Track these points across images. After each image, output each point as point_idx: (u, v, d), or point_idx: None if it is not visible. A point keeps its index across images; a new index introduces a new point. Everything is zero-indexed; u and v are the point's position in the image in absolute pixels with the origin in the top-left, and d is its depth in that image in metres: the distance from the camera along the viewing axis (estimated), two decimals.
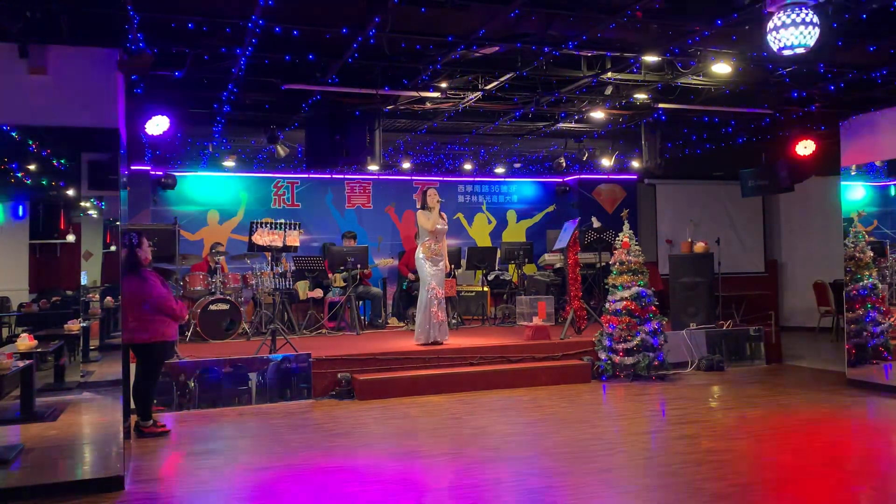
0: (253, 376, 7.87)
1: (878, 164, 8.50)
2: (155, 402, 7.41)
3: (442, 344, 9.01)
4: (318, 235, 13.30)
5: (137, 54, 5.66)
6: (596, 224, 11.34)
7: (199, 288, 10.23)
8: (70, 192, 5.93)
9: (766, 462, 5.45)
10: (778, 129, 11.18)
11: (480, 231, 14.65)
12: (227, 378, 7.78)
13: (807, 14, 5.21)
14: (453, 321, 10.96)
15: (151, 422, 6.55)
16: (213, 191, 13.02)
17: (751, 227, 14.82)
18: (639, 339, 8.75)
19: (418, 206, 9.28)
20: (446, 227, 9.26)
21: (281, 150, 10.35)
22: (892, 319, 8.41)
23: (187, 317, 7.27)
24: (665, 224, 14.46)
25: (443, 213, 9.26)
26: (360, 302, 11.60)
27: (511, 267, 12.23)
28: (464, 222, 14.51)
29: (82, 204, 5.92)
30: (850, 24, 6.65)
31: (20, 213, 6.39)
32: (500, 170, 14.37)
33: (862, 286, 8.52)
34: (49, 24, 5.81)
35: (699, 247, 10.71)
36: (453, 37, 7.06)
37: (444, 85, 8.65)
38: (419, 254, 9.18)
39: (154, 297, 6.37)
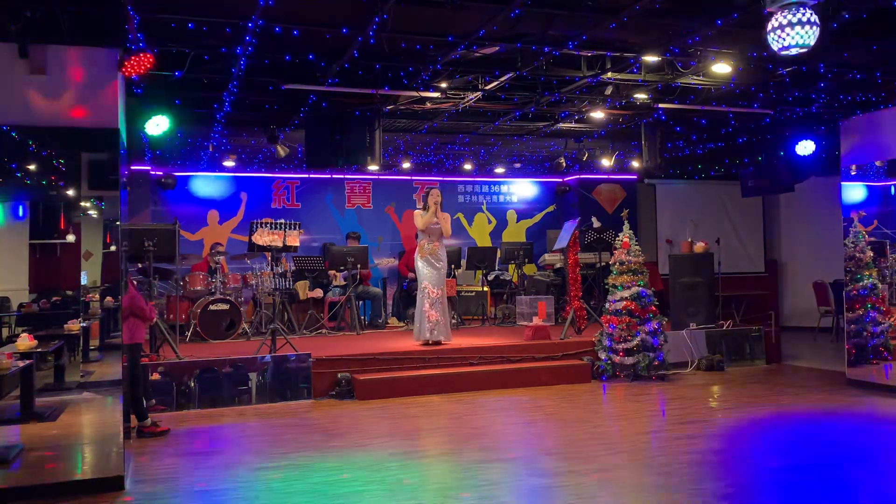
0: (253, 376, 7.87)
1: (878, 164, 8.50)
2: (154, 401, 7.43)
3: (441, 344, 9.02)
4: (318, 235, 13.29)
5: (137, 54, 5.65)
6: (596, 224, 11.34)
7: (199, 288, 10.23)
8: (70, 192, 5.92)
9: (766, 462, 5.45)
10: (778, 129, 11.18)
11: (480, 231, 14.64)
12: (227, 378, 7.78)
13: (807, 14, 5.21)
14: (453, 321, 10.96)
15: (150, 421, 6.55)
16: (213, 191, 13.01)
17: (751, 227, 14.82)
18: (639, 339, 8.75)
19: (419, 205, 9.33)
20: (438, 225, 9.14)
21: (281, 150, 10.34)
22: (892, 319, 8.41)
23: (155, 318, 7.23)
24: (665, 224, 14.46)
25: (444, 213, 9.21)
26: (360, 302, 11.61)
27: (511, 267, 12.23)
28: (464, 222, 14.51)
29: (82, 204, 5.92)
30: (850, 24, 6.65)
31: (20, 213, 6.38)
32: (500, 170, 14.37)
33: (862, 286, 8.52)
34: (49, 24, 5.82)
35: (699, 247, 10.71)
36: (453, 37, 7.06)
37: (444, 85, 8.65)
38: (416, 253, 9.23)
39: (125, 300, 6.23)
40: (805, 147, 10.46)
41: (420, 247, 9.17)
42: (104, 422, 5.74)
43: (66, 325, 6.00)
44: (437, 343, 9.01)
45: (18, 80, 5.22)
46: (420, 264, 9.13)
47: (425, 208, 9.17)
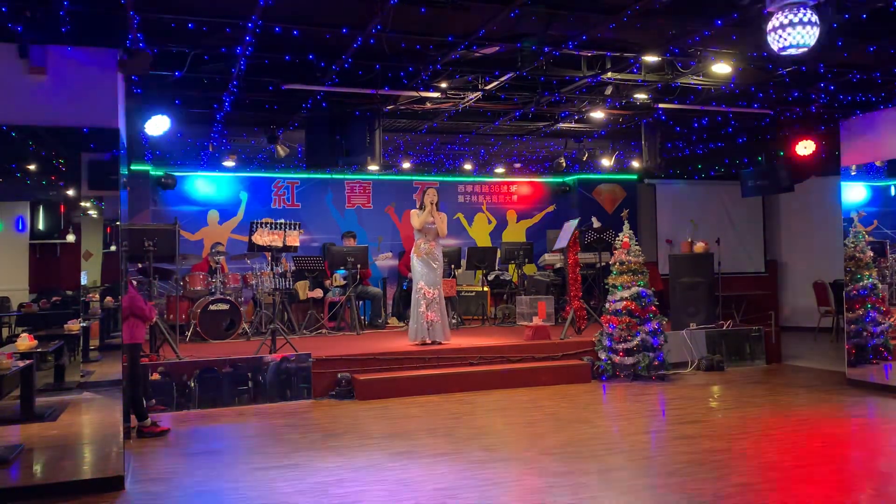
0: (253, 376, 7.87)
1: (878, 164, 8.50)
2: (154, 401, 7.43)
3: (440, 344, 9.01)
4: (318, 235, 13.30)
5: (137, 54, 5.65)
6: (596, 224, 11.34)
7: (199, 288, 10.23)
8: (70, 192, 5.92)
9: (766, 462, 5.45)
10: (778, 129, 11.17)
11: (480, 231, 14.65)
12: (227, 378, 7.79)
13: (807, 14, 5.21)
14: (453, 321, 10.96)
15: (150, 421, 6.55)
16: (213, 191, 13.02)
17: (751, 227, 14.82)
18: (639, 339, 8.75)
19: (417, 205, 9.35)
20: (434, 225, 9.15)
21: (281, 150, 10.35)
22: (892, 319, 8.42)
23: (155, 317, 7.27)
24: (665, 224, 14.46)
25: (440, 213, 9.23)
26: (360, 302, 11.61)
27: (511, 267, 12.23)
28: (464, 222, 14.51)
29: (82, 204, 5.92)
30: (850, 24, 6.65)
31: (20, 227, 6.38)
32: (500, 170, 14.37)
33: (862, 286, 8.52)
34: (49, 24, 5.81)
35: (699, 247, 10.71)
36: (453, 37, 7.05)
37: (444, 85, 8.64)
38: (412, 253, 9.25)
39: (125, 300, 6.26)
40: (805, 147, 10.46)
41: (416, 246, 9.17)
42: (104, 422, 5.74)
43: (66, 325, 6.00)
44: (436, 343, 9.01)
45: (18, 80, 5.23)
46: (416, 264, 9.14)
47: (421, 208, 9.19)
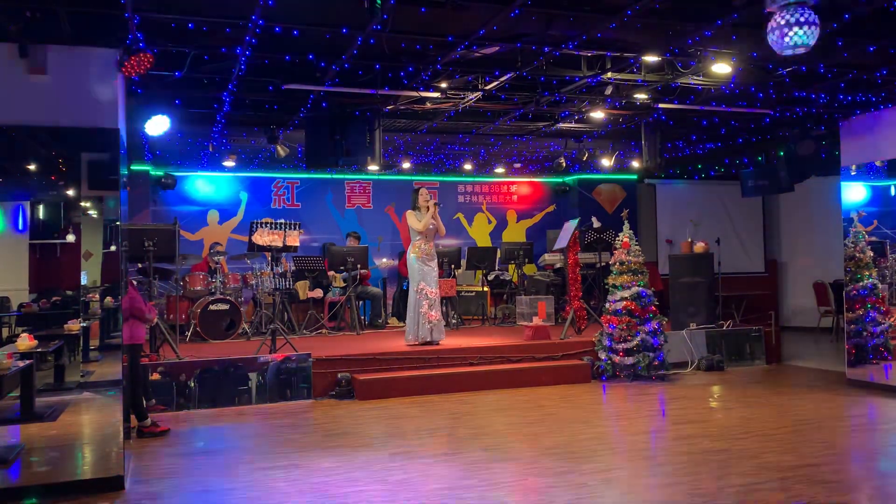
0: (253, 376, 7.87)
1: (878, 164, 8.50)
2: (154, 401, 7.43)
3: (438, 344, 9.01)
4: (318, 235, 13.30)
5: (137, 54, 5.65)
6: (596, 224, 11.34)
7: (199, 288, 10.23)
8: (70, 192, 5.92)
9: (766, 462, 5.45)
10: (778, 129, 11.17)
11: (480, 231, 14.65)
12: (227, 378, 7.79)
13: (807, 14, 5.21)
14: (453, 321, 10.97)
15: (150, 421, 6.55)
16: (213, 191, 13.03)
17: (751, 227, 14.82)
18: (639, 339, 8.75)
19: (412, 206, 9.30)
20: (434, 226, 9.17)
21: (281, 150, 10.35)
22: (892, 319, 8.42)
23: (155, 318, 7.28)
24: (665, 224, 14.46)
25: (436, 214, 9.24)
26: (360, 302, 11.61)
27: (511, 267, 12.23)
28: (464, 222, 14.51)
29: (82, 204, 5.92)
30: (850, 24, 6.65)
31: (20, 226, 6.38)
32: (500, 170, 14.37)
33: (862, 286, 8.52)
34: (49, 24, 5.81)
35: (699, 247, 10.71)
36: (453, 37, 7.05)
37: (444, 85, 8.64)
38: (410, 254, 9.23)
39: (125, 301, 6.27)
40: (805, 147, 10.46)
41: (416, 246, 9.16)
42: (104, 422, 5.74)
43: (66, 325, 5.99)
44: (434, 343, 9.01)
45: (18, 80, 5.23)
46: (416, 264, 9.12)
47: (415, 208, 9.18)
